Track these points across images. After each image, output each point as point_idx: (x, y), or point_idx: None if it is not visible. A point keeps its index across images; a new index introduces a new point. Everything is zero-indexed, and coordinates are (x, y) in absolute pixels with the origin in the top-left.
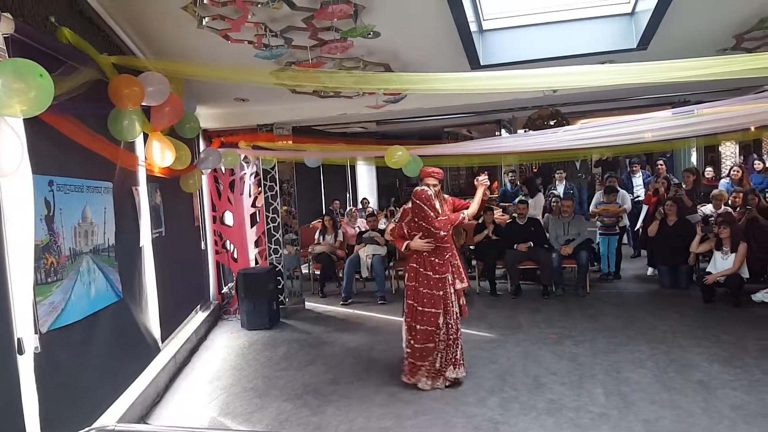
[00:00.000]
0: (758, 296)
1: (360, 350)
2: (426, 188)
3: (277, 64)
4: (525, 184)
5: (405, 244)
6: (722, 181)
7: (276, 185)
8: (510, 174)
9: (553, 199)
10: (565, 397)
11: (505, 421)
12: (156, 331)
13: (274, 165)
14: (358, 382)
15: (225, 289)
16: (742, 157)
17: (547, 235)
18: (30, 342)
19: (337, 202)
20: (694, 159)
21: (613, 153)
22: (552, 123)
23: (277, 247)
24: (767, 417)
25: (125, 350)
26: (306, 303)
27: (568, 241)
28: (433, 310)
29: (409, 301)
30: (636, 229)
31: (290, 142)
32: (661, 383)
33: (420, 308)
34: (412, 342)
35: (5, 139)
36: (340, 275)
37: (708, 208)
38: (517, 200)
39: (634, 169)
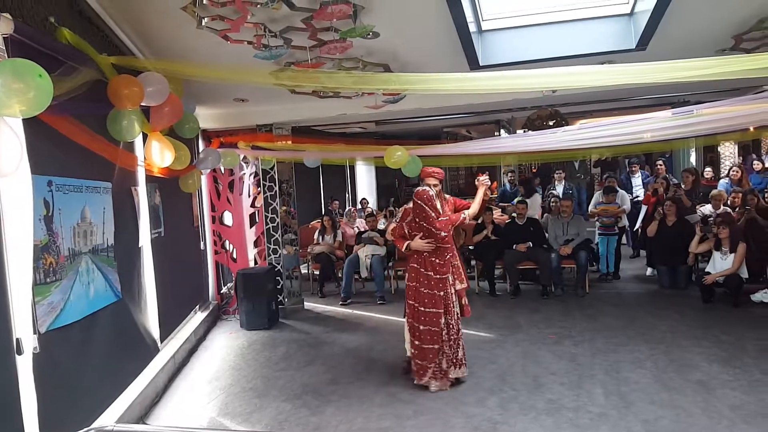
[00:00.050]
0: (757, 296)
1: (359, 350)
2: (427, 188)
3: (276, 64)
4: (521, 184)
5: (405, 245)
6: (721, 181)
7: (275, 185)
8: (509, 174)
9: (552, 200)
10: (565, 397)
11: (505, 421)
12: (155, 331)
13: (274, 165)
14: (358, 382)
15: (224, 290)
16: (741, 158)
17: (546, 235)
18: (29, 342)
19: (336, 202)
20: (693, 159)
21: (612, 153)
22: (551, 123)
23: (277, 247)
24: (766, 417)
25: (124, 350)
26: (305, 303)
27: (567, 241)
28: (434, 310)
29: (411, 302)
30: (635, 229)
31: (289, 142)
32: (661, 383)
33: (422, 309)
34: (417, 343)
35: (4, 139)
36: (340, 275)
37: (707, 209)
38: (516, 200)
39: (634, 169)
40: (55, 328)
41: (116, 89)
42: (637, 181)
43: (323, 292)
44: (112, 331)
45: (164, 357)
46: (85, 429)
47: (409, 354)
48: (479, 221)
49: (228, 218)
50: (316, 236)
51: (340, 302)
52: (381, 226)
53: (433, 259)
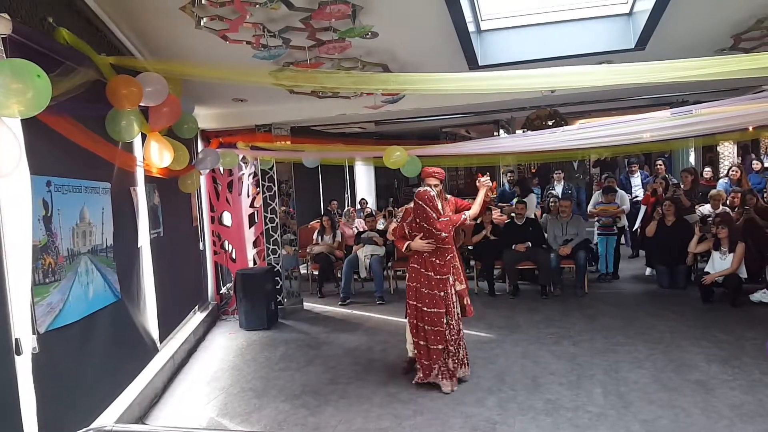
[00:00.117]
0: (756, 296)
1: (358, 350)
2: (428, 189)
3: (275, 64)
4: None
5: (406, 245)
6: (720, 181)
7: (274, 185)
8: (508, 174)
9: (552, 200)
10: (564, 397)
11: (503, 421)
12: (154, 331)
13: (273, 165)
14: (357, 382)
15: (223, 290)
16: (739, 158)
17: (546, 235)
18: (28, 342)
19: (335, 202)
20: (692, 159)
21: (612, 153)
22: (550, 123)
23: (276, 247)
24: (765, 416)
25: (123, 351)
26: (304, 303)
27: (567, 242)
28: (435, 310)
29: (412, 302)
30: (634, 229)
31: (288, 142)
32: (660, 383)
33: (425, 309)
34: (423, 344)
35: (3, 139)
36: (339, 275)
37: (706, 209)
38: (514, 201)
39: (633, 169)
40: (54, 329)
41: (115, 89)
42: (636, 181)
43: (322, 292)
44: (111, 331)
45: (163, 357)
46: (84, 429)
47: (411, 354)
48: (478, 221)
49: (227, 218)
50: (315, 236)
51: (340, 302)
52: (380, 226)
53: (434, 259)
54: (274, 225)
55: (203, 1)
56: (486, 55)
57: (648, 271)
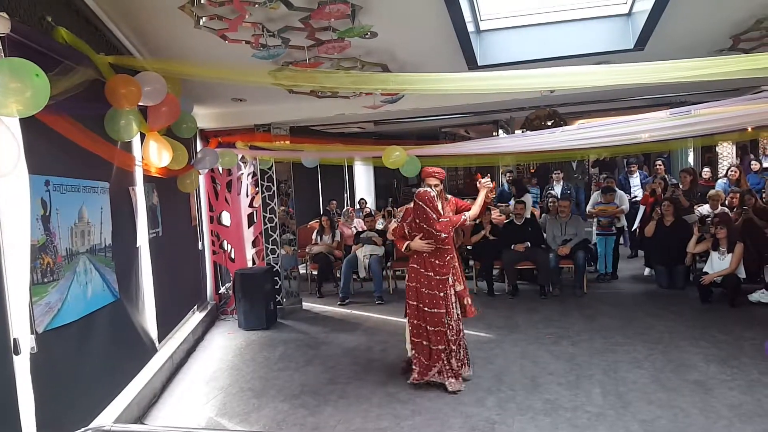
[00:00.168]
0: (755, 296)
1: (357, 350)
2: (428, 189)
3: (274, 64)
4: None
5: (405, 245)
6: (719, 181)
7: (273, 185)
8: (507, 174)
9: (551, 200)
10: (562, 397)
11: (502, 421)
12: (153, 331)
13: (272, 165)
14: (356, 382)
15: (222, 290)
16: (738, 159)
17: (545, 235)
18: (26, 342)
19: (334, 202)
20: (691, 159)
21: (611, 153)
22: (549, 123)
23: (275, 247)
24: (764, 417)
25: (122, 350)
26: (303, 303)
27: (566, 242)
28: (436, 310)
29: (412, 302)
30: (633, 229)
31: (287, 142)
32: (658, 383)
33: (426, 309)
34: (426, 344)
35: (1, 138)
36: (338, 275)
37: (705, 209)
38: (514, 201)
39: (632, 169)
40: (53, 328)
41: (114, 89)
42: (635, 181)
43: (321, 292)
44: (110, 331)
45: (162, 357)
46: (83, 429)
47: (410, 354)
48: (477, 221)
49: (226, 218)
50: (314, 236)
51: (339, 302)
52: (379, 226)
53: (433, 260)
54: (273, 225)
55: (202, 1)
56: (485, 55)
57: (647, 271)
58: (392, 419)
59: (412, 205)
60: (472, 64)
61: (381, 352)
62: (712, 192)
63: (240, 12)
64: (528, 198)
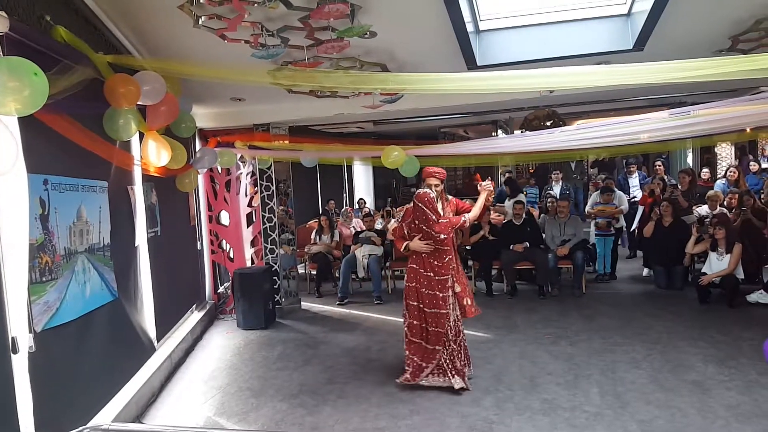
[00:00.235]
0: (753, 297)
1: (356, 350)
2: (428, 190)
3: (273, 63)
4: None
5: (404, 245)
6: (718, 182)
7: (272, 185)
8: (506, 175)
9: (549, 200)
10: (561, 397)
11: (500, 421)
12: (151, 330)
13: (271, 165)
14: (355, 381)
15: (221, 289)
16: (737, 159)
17: (543, 235)
18: (24, 341)
19: (333, 202)
20: (690, 160)
21: (610, 154)
22: (548, 124)
23: (274, 246)
24: (761, 417)
25: (120, 349)
26: (302, 303)
27: (564, 242)
28: (436, 310)
29: (412, 303)
30: (632, 229)
31: (286, 141)
32: (657, 383)
33: (426, 309)
34: (424, 344)
35: (0, 137)
36: (337, 275)
37: (703, 209)
38: (513, 201)
39: (631, 170)
40: (51, 327)
41: (113, 88)
42: (634, 181)
43: (320, 291)
44: (109, 330)
45: (161, 356)
46: (81, 428)
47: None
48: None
49: (225, 218)
50: (313, 236)
51: (337, 302)
52: (378, 226)
53: (432, 260)
54: (272, 224)
55: (201, 0)
56: (484, 55)
57: (645, 271)
58: (390, 419)
59: (411, 205)
60: (471, 64)
61: (379, 351)
62: (710, 193)
63: (239, 11)
64: (522, 198)
